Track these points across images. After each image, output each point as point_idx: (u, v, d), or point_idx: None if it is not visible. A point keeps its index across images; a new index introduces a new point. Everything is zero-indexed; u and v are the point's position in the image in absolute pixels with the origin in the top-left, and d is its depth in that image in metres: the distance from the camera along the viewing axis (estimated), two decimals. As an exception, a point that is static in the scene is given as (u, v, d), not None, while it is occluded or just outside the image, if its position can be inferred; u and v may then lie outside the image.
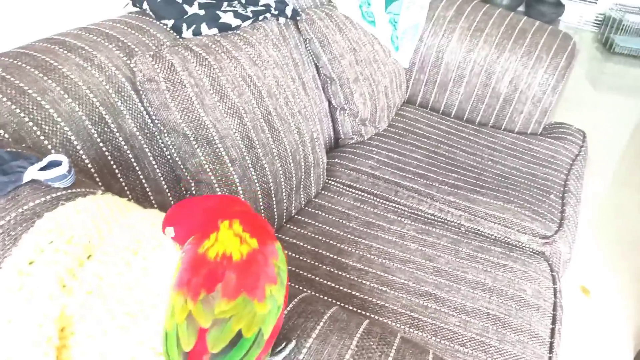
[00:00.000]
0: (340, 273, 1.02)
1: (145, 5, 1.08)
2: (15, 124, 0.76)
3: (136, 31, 1.01)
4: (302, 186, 1.15)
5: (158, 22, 1.06)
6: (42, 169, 0.62)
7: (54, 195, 0.60)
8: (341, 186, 1.31)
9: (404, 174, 1.36)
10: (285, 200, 1.09)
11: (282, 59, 1.15)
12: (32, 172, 0.61)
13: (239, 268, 0.45)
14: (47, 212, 0.57)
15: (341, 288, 0.99)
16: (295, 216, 1.16)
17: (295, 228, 1.12)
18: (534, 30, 1.70)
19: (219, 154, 0.94)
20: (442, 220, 1.24)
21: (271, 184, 1.03)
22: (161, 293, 0.51)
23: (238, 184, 0.97)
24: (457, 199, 1.29)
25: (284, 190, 1.08)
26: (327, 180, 1.31)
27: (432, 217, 1.25)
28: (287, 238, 1.09)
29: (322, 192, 1.26)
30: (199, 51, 0.98)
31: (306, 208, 1.19)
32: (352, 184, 1.32)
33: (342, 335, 0.56)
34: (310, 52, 1.41)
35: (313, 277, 1.00)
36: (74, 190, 0.62)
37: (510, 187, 1.37)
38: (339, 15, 1.49)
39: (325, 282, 0.99)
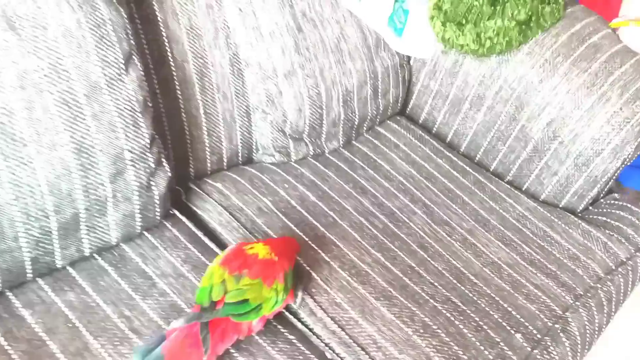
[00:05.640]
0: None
1: None
2: None
3: None
4: (83, 228, 0.74)
5: None
6: None
7: None
8: (182, 234, 0.84)
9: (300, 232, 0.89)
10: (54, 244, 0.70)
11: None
12: None
13: (262, 264, 0.70)
14: None
15: None
16: (65, 269, 0.76)
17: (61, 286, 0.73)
18: (613, 52, 1.07)
19: None
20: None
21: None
22: None
23: None
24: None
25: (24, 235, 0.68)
26: (172, 213, 0.88)
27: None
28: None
29: (148, 234, 0.83)
30: None
31: (97, 258, 0.78)
32: (210, 229, 0.88)
33: None
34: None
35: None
36: None
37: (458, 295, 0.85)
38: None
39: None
